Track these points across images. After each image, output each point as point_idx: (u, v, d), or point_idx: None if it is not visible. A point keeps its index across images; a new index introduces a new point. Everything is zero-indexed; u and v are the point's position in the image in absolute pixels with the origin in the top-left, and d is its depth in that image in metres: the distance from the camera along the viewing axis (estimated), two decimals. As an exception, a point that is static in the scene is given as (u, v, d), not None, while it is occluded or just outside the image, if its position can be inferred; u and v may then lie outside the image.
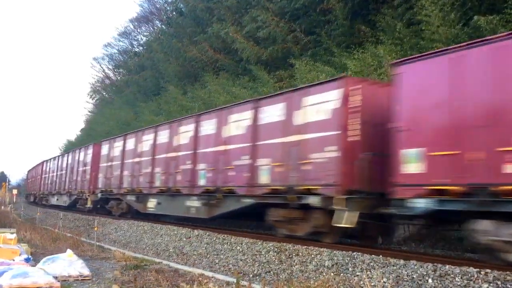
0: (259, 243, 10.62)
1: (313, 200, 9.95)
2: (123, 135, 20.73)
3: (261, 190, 11.40)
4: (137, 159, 18.47)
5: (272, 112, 11.49)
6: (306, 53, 20.51)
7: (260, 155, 11.62)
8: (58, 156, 34.33)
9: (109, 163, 21.42)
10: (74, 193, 26.38)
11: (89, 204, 23.06)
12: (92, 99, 59.47)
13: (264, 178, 11.38)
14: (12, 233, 11.73)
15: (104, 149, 22.53)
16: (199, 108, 23.41)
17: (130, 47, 52.43)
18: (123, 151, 19.96)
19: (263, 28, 21.94)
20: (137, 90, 41.46)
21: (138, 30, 51.33)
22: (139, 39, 51.23)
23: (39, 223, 21.47)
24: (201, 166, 14.11)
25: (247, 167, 11.93)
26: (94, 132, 44.65)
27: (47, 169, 36.51)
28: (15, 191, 47.60)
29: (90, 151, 24.77)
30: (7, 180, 57.31)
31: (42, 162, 39.82)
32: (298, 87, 11.81)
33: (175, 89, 30.59)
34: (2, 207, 35.15)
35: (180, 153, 15.40)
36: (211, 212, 13.45)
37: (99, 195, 22.15)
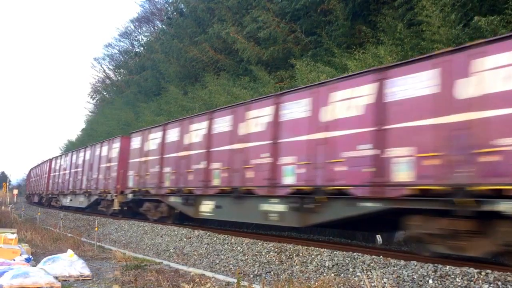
0: (260, 243, 10.63)
1: (507, 207, 6.90)
2: (162, 124, 17.22)
3: (397, 191, 8.35)
4: (183, 153, 15.15)
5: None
6: (306, 53, 20.52)
7: (391, 144, 8.60)
8: (72, 152, 30.74)
9: (143, 158, 17.82)
10: (95, 193, 23.15)
11: (115, 206, 20.01)
12: (93, 99, 59.62)
13: (403, 174, 8.32)
14: (12, 233, 11.72)
15: (135, 142, 18.92)
16: (199, 108, 23.42)
17: (130, 47, 52.52)
18: (162, 143, 16.54)
19: (263, 28, 21.95)
20: (137, 90, 41.46)
21: (139, 31, 51.45)
22: (140, 40, 51.33)
23: (40, 223, 21.46)
24: (287, 159, 10.81)
25: (370, 159, 8.93)
26: (95, 132, 44.65)
27: (57, 167, 33.23)
28: (15, 191, 47.63)
29: (116, 145, 21.49)
30: (8, 180, 57.31)
31: (51, 159, 36.82)
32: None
33: (175, 89, 30.60)
34: (3, 207, 35.07)
35: (251, 144, 11.96)
36: (306, 219, 10.26)
37: (130, 196, 18.60)
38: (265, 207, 11.33)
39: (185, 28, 32.74)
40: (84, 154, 26.41)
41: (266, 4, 22.52)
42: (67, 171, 29.69)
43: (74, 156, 28.86)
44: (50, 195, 34.24)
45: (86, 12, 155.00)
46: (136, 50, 50.52)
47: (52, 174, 34.74)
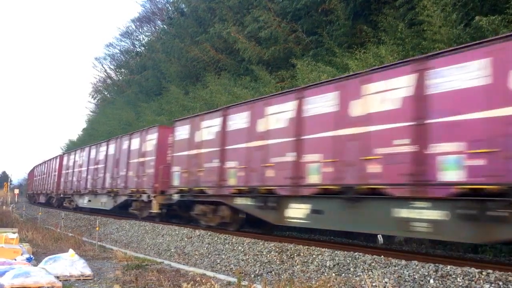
0: (261, 243, 10.63)
1: None
2: (221, 109, 14.03)
3: None
4: (257, 143, 11.94)
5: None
6: (307, 53, 20.52)
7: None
8: (90, 146, 26.96)
9: (193, 151, 14.64)
10: (124, 193, 19.84)
11: (154, 209, 16.82)
12: (94, 99, 59.70)
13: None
14: (14, 232, 11.73)
15: (181, 132, 15.63)
16: (200, 108, 23.43)
17: (132, 47, 52.55)
18: (223, 132, 13.45)
19: (264, 28, 21.95)
20: (138, 90, 41.49)
21: (140, 30, 51.44)
22: (141, 39, 51.34)
23: (41, 223, 21.48)
24: (449, 146, 7.82)
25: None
26: (96, 132, 44.69)
27: (70, 163, 29.79)
28: (16, 191, 47.72)
29: (152, 136, 18.13)
30: (9, 180, 57.40)
31: (61, 155, 33.69)
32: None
33: (176, 89, 30.61)
34: (4, 206, 35.08)
35: (374, 128, 9.06)
36: (487, 233, 7.41)
37: (175, 197, 15.45)
38: (405, 213, 8.47)
39: (186, 28, 32.77)
40: (107, 149, 22.90)
41: (267, 3, 22.52)
42: (84, 168, 26.39)
43: (93, 151, 25.26)
44: (61, 195, 31.02)
45: (87, 12, 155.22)
46: (137, 50, 50.58)
47: (64, 172, 31.23)
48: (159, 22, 46.46)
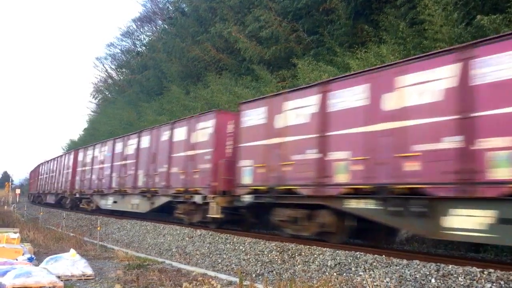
0: (262, 242, 10.62)
1: None
2: (317, 84, 10.82)
3: None
4: (385, 125, 8.97)
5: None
6: (308, 52, 20.52)
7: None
8: (114, 139, 23.16)
9: (273, 140, 11.54)
10: (166, 193, 16.32)
11: (214, 213, 13.26)
12: (95, 99, 59.79)
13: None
14: (15, 232, 11.74)
15: (251, 117, 12.52)
16: (201, 108, 23.43)
17: (132, 47, 52.59)
18: (321, 114, 10.40)
19: (265, 27, 21.96)
20: (139, 90, 41.53)
21: (141, 30, 51.48)
22: (142, 39, 51.40)
23: (42, 223, 21.51)
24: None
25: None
26: (97, 132, 44.71)
27: (88, 160, 26.18)
28: (18, 191, 47.82)
29: (206, 124, 14.56)
30: (10, 180, 57.48)
31: (76, 150, 29.85)
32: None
33: (177, 89, 30.64)
34: (5, 206, 35.14)
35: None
36: None
37: (247, 198, 12.30)
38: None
39: (187, 28, 32.80)
40: (139, 141, 19.56)
41: (268, 3, 22.52)
42: (107, 165, 22.87)
43: (119, 145, 21.88)
44: (76, 195, 27.40)
45: (88, 12, 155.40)
46: (138, 50, 50.61)
47: (79, 169, 27.66)
48: (160, 21, 46.52)
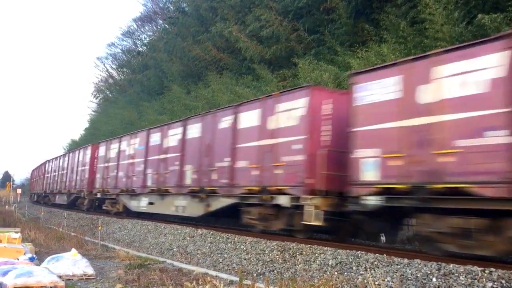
0: (263, 242, 10.62)
1: None
2: (505, 35, 7.42)
3: None
4: None
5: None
6: (309, 52, 20.53)
7: None
8: (147, 130, 19.81)
9: (413, 121, 8.44)
10: (230, 193, 13.15)
11: (313, 220, 10.05)
12: (96, 99, 59.90)
13: None
14: (16, 232, 11.75)
15: (371, 92, 9.39)
16: (202, 107, 23.43)
17: (133, 46, 52.62)
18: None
19: (266, 27, 21.96)
20: (140, 89, 41.58)
21: (142, 30, 51.51)
22: (143, 39, 51.44)
23: (43, 223, 21.52)
24: None
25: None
26: (98, 132, 44.76)
27: (111, 155, 22.93)
28: (19, 191, 47.82)
29: (295, 104, 11.24)
30: (11, 180, 57.56)
31: (95, 145, 26.22)
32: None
33: (178, 88, 30.66)
34: (7, 206, 35.15)
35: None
36: None
37: (372, 200, 9.08)
38: None
39: (188, 27, 32.83)
40: (184, 131, 16.31)
41: (268, 3, 22.52)
42: (139, 159, 19.54)
43: (156, 136, 18.51)
44: (97, 195, 24.08)
45: (88, 12, 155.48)
46: (139, 49, 50.66)
47: (100, 166, 24.28)
48: (160, 21, 46.53)
